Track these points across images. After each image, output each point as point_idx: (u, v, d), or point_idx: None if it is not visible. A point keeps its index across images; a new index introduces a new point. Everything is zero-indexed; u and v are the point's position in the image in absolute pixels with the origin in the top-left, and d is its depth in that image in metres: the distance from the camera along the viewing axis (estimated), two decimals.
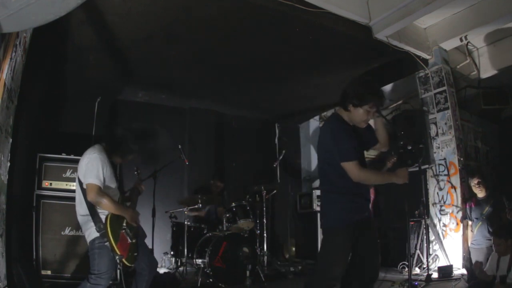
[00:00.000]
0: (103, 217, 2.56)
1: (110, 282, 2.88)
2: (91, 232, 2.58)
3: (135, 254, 2.65)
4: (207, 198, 5.04)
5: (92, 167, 2.57)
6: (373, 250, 2.36)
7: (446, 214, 4.96)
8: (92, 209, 2.57)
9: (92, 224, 2.55)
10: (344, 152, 2.26)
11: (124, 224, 2.63)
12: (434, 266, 4.65)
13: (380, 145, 2.61)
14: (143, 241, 2.88)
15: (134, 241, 2.65)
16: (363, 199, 2.38)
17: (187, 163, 5.31)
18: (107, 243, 2.48)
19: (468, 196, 4.73)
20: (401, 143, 4.29)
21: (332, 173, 2.34)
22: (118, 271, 3.16)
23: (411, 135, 5.05)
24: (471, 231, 4.38)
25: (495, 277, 3.38)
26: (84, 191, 2.58)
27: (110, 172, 2.68)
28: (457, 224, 4.80)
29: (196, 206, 4.88)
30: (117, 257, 2.47)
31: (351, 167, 2.23)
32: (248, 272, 4.20)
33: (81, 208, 2.62)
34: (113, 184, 2.71)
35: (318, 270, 2.38)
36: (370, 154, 6.65)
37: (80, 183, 2.61)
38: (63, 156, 4.29)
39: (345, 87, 2.38)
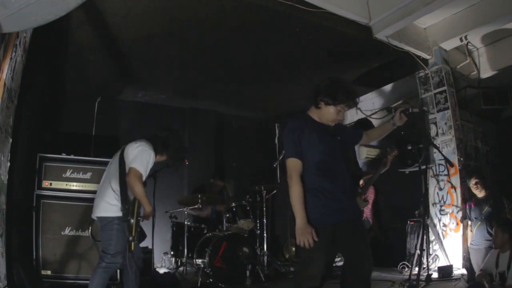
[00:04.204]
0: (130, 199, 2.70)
1: (109, 281, 2.90)
2: (111, 209, 2.67)
3: (137, 242, 2.75)
4: (207, 198, 5.04)
5: (144, 157, 2.76)
6: (354, 251, 2.21)
7: (446, 214, 4.95)
8: (123, 191, 2.69)
9: (117, 202, 2.66)
10: (285, 150, 2.28)
11: (141, 213, 2.76)
12: (434, 266, 4.65)
13: (366, 139, 2.59)
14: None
15: (139, 229, 2.78)
16: (340, 201, 2.21)
17: (187, 163, 5.30)
18: (125, 224, 2.59)
19: (468, 196, 4.73)
20: (409, 147, 4.30)
21: (305, 171, 2.23)
22: (118, 271, 3.20)
23: (411, 135, 5.05)
24: (471, 231, 4.38)
25: (493, 274, 3.37)
26: (124, 171, 2.73)
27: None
28: (457, 224, 4.80)
29: (196, 206, 4.87)
30: (130, 238, 2.57)
31: (288, 163, 2.21)
32: (248, 272, 4.20)
33: (114, 183, 2.74)
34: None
35: (298, 270, 2.39)
36: (370, 154, 6.65)
37: (121, 163, 2.77)
38: (63, 156, 4.29)
39: (319, 84, 2.29)
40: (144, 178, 2.77)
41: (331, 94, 2.20)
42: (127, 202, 2.66)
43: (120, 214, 2.63)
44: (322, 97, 2.23)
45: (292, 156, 2.20)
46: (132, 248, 2.61)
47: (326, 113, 2.26)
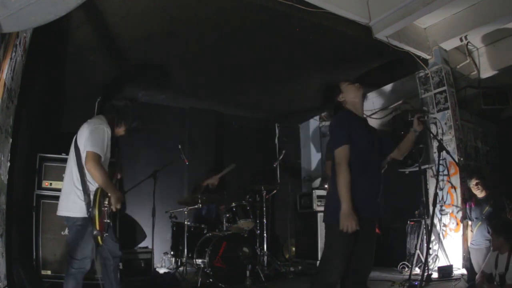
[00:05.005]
0: (91, 189, 2.47)
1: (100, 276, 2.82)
2: (74, 208, 2.44)
3: (106, 234, 2.55)
4: (207, 197, 5.04)
5: (97, 135, 2.53)
6: (364, 252, 2.32)
7: (446, 214, 4.95)
8: (83, 181, 2.46)
9: (79, 200, 2.42)
10: (335, 140, 2.35)
11: (106, 202, 2.53)
12: (434, 266, 4.65)
13: (398, 154, 2.63)
14: (111, 227, 2.76)
15: (108, 221, 2.58)
16: (371, 197, 2.31)
17: (187, 163, 5.31)
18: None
19: (468, 196, 4.73)
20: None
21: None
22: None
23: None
24: (471, 231, 4.39)
25: (493, 275, 3.38)
26: (81, 160, 2.48)
27: (110, 145, 2.66)
28: (457, 224, 4.80)
29: (196, 206, 4.87)
30: (95, 232, 2.34)
31: (338, 152, 2.29)
32: (248, 272, 4.20)
33: (75, 177, 2.51)
34: (106, 158, 2.66)
35: (320, 264, 2.43)
36: None
37: (77, 151, 2.52)
38: (63, 156, 4.27)
39: (324, 87, 2.58)
40: (103, 158, 2.51)
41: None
42: (89, 193, 2.40)
43: (85, 214, 2.38)
44: (340, 85, 2.49)
45: (342, 144, 2.29)
46: (100, 242, 2.35)
47: (350, 93, 2.48)
